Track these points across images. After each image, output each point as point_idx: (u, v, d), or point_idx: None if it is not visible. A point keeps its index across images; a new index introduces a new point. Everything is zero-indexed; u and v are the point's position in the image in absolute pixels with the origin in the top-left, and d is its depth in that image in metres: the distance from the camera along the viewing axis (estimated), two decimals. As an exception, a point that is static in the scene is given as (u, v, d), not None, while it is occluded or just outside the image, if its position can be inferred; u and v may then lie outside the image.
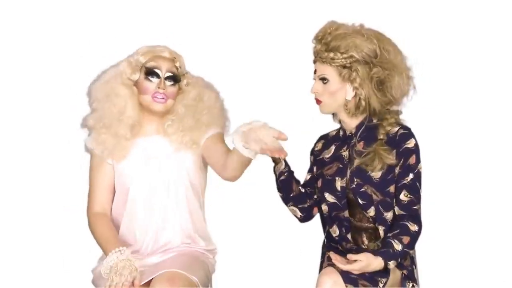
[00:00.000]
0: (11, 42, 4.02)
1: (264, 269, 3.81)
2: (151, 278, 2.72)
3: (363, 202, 2.75)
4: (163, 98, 2.81)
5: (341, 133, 2.89)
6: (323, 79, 2.77)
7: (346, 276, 2.63)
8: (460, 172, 3.97)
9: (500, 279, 3.86)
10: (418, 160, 2.76)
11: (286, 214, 3.16)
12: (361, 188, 2.76)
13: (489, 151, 4.00)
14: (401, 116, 2.83)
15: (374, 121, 2.80)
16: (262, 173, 3.60)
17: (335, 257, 2.67)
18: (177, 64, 2.86)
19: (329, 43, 2.74)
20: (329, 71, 2.76)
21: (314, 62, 2.82)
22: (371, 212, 2.76)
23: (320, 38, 2.78)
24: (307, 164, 3.00)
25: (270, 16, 4.04)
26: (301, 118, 3.69)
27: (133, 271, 2.67)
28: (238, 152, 2.51)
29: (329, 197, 2.82)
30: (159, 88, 2.80)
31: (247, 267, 3.69)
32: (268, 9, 4.07)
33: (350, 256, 2.66)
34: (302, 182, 2.99)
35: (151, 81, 2.81)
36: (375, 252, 2.68)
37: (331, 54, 2.73)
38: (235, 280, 3.19)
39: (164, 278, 2.68)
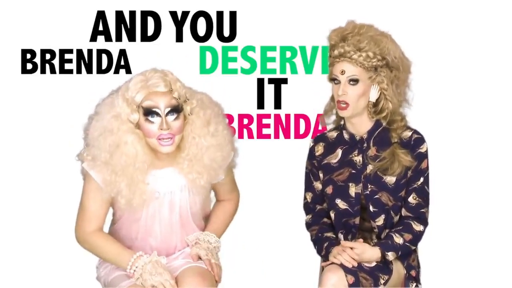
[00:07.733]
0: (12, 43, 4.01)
1: (263, 268, 3.85)
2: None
3: (374, 210, 2.74)
4: (169, 139, 2.55)
5: (346, 136, 2.82)
6: (354, 80, 2.69)
7: (347, 267, 2.62)
8: (460, 172, 3.97)
9: (502, 280, 3.89)
10: (428, 164, 2.77)
11: (285, 214, 3.19)
12: (375, 194, 2.74)
13: (488, 152, 4.00)
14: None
15: (383, 124, 2.77)
16: (262, 173, 3.67)
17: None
18: (175, 95, 2.57)
19: (359, 44, 2.67)
20: (359, 72, 2.69)
21: (336, 62, 2.71)
22: (380, 221, 2.75)
23: (346, 39, 2.70)
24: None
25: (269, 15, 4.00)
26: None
27: (165, 269, 2.61)
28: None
29: (341, 204, 2.78)
30: (161, 129, 2.54)
31: (247, 266, 3.70)
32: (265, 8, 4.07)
33: (344, 243, 2.68)
34: (308, 192, 2.92)
35: (152, 122, 2.55)
36: (374, 244, 2.71)
37: (363, 55, 2.67)
38: (235, 279, 3.23)
39: (195, 272, 2.66)
